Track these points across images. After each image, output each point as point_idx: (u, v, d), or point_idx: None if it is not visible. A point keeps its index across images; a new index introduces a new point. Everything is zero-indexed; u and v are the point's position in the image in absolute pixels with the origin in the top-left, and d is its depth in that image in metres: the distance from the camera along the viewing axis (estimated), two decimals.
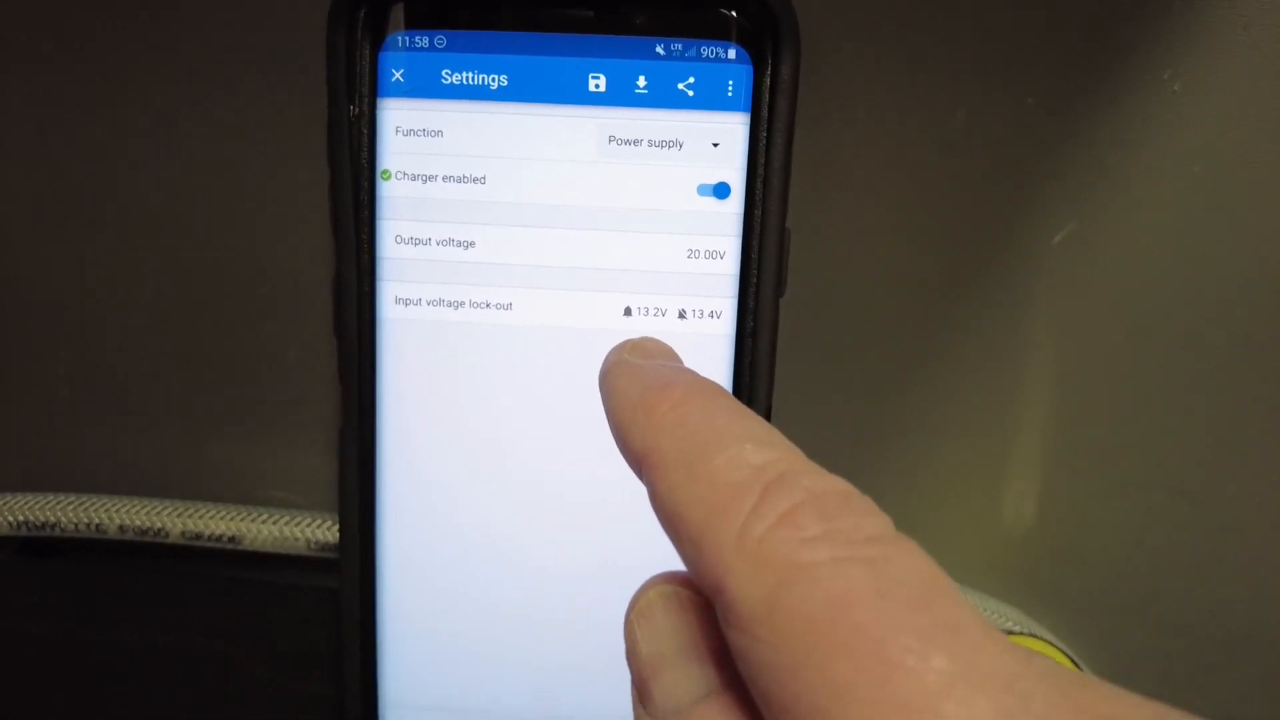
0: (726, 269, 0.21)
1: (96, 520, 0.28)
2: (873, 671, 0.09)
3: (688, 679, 0.12)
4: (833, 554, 0.10)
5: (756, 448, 0.12)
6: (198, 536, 0.28)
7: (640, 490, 0.22)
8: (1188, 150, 0.24)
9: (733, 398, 0.13)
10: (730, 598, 0.11)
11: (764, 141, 0.21)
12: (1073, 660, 0.30)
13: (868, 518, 0.11)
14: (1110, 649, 0.31)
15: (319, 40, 0.21)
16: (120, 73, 0.26)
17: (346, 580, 0.23)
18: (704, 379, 0.13)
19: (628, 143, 0.21)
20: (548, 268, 0.21)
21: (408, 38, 0.21)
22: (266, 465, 0.29)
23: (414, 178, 0.21)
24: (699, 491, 0.11)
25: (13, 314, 0.29)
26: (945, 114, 0.24)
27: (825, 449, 0.29)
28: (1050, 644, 0.30)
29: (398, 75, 0.21)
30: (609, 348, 0.22)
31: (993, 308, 0.27)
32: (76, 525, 0.29)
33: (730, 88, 0.21)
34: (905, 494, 0.29)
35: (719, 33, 0.21)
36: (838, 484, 0.11)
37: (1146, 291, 0.26)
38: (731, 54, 0.21)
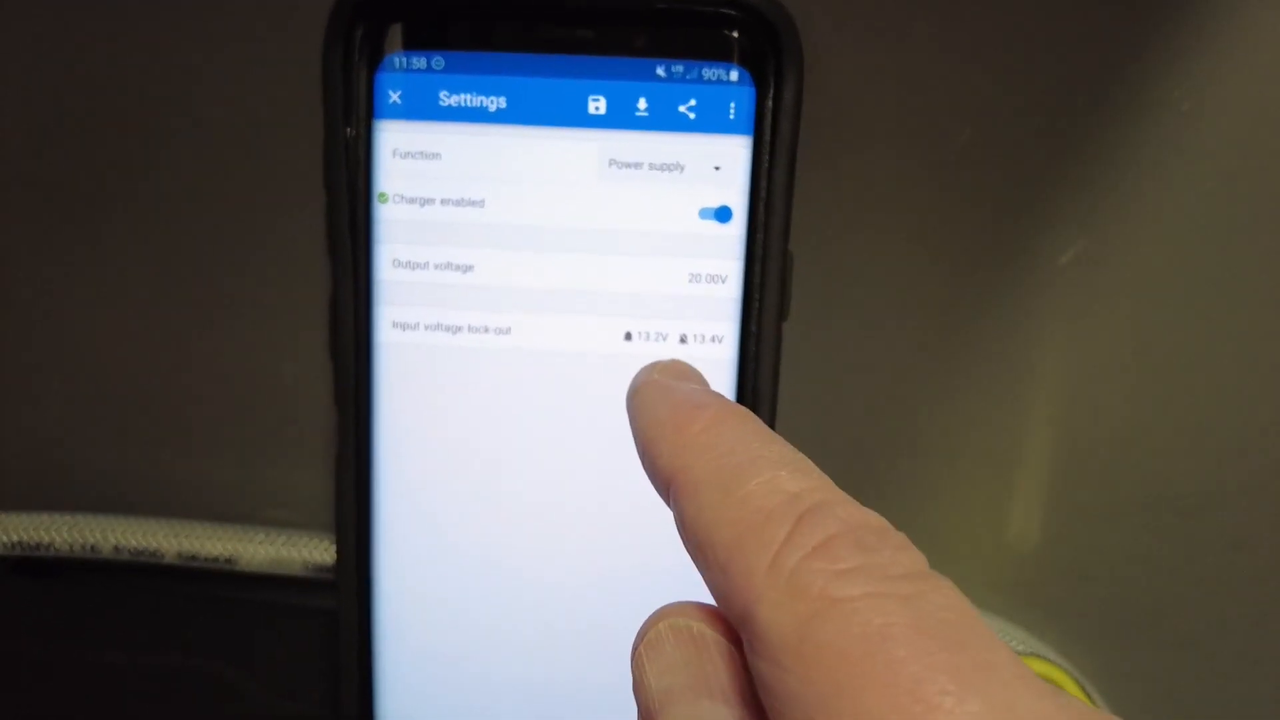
0: (729, 293, 0.21)
1: (91, 540, 0.28)
2: (908, 709, 0.09)
3: (698, 715, 0.11)
4: (868, 588, 0.10)
5: (791, 475, 0.11)
6: (193, 557, 0.28)
7: (640, 513, 0.22)
8: (1197, 170, 0.24)
9: (764, 424, 0.13)
10: (759, 626, 0.10)
11: (766, 164, 0.20)
12: (1077, 680, 0.30)
13: (903, 553, 0.11)
14: (1116, 666, 0.30)
15: (317, 59, 0.20)
16: (116, 88, 0.25)
17: (344, 602, 0.23)
18: (735, 404, 0.13)
19: (628, 165, 0.21)
20: (547, 291, 0.21)
21: (405, 59, 0.21)
22: (263, 485, 0.29)
23: (411, 200, 0.21)
24: (730, 515, 0.11)
25: (7, 331, 0.28)
26: (950, 134, 0.24)
27: (829, 469, 0.29)
28: (1055, 664, 0.30)
29: (395, 97, 0.21)
30: (609, 372, 0.22)
31: (999, 327, 0.26)
32: (71, 545, 0.28)
33: (732, 110, 0.20)
34: (910, 513, 0.29)
35: (721, 54, 0.20)
36: (873, 518, 0.11)
37: (1153, 311, 0.26)
38: (734, 76, 0.20)
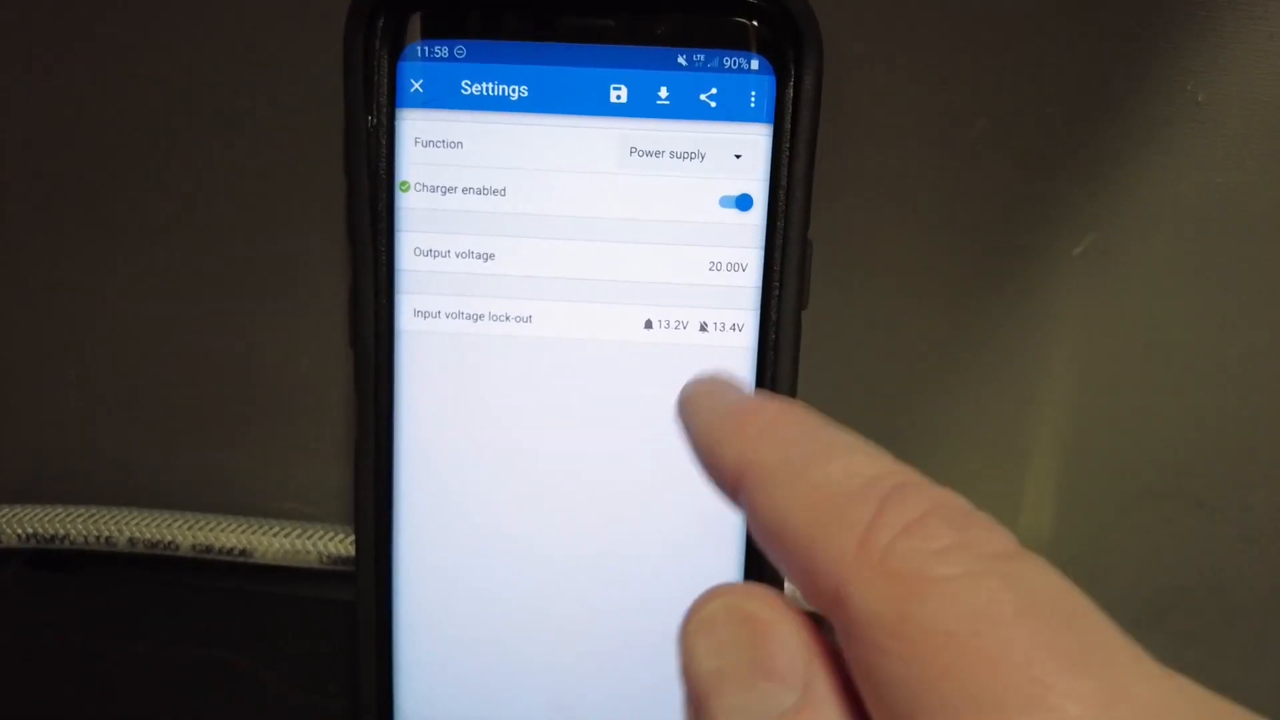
0: (748, 281, 0.21)
1: (107, 533, 0.28)
2: (1021, 690, 0.09)
3: (756, 698, 0.11)
4: (967, 567, 0.10)
5: (867, 459, 0.11)
6: (208, 549, 0.28)
7: (663, 501, 0.22)
8: (1211, 161, 0.24)
9: (828, 418, 0.12)
10: (854, 609, 0.10)
11: (787, 153, 0.20)
12: None
13: (994, 532, 0.10)
14: None
15: (338, 48, 0.21)
16: (135, 78, 0.26)
17: (363, 593, 0.23)
18: (794, 401, 0.13)
19: (649, 154, 0.21)
20: (568, 280, 0.21)
21: (427, 47, 0.21)
22: (278, 477, 0.29)
23: (433, 189, 0.21)
24: (807, 499, 0.11)
25: (22, 323, 0.28)
26: (967, 125, 0.24)
27: None
28: None
29: (416, 85, 0.21)
30: (629, 360, 0.22)
31: (1013, 318, 0.27)
32: (86, 538, 0.28)
33: (753, 99, 0.20)
34: None
35: (741, 43, 0.20)
36: (957, 498, 0.11)
37: (1166, 303, 0.26)
38: (754, 64, 0.20)
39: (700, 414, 0.13)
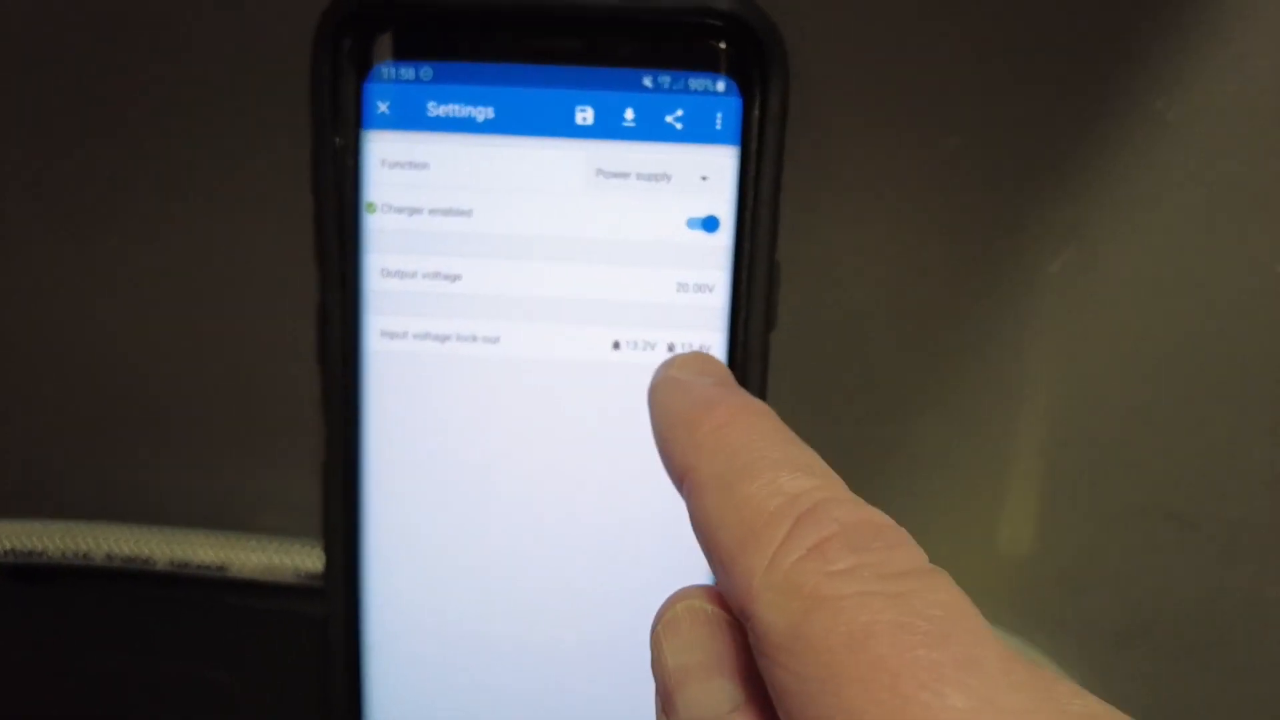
0: (716, 302, 0.21)
1: (83, 548, 0.28)
2: (887, 704, 0.09)
3: (711, 693, 0.12)
4: (858, 588, 0.10)
5: (793, 475, 0.12)
6: (185, 564, 0.28)
7: (629, 522, 0.22)
8: (1183, 177, 0.24)
9: (779, 421, 0.13)
10: (757, 625, 0.11)
11: (754, 174, 0.20)
12: None
13: (898, 550, 0.11)
14: (1108, 676, 0.30)
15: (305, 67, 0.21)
16: (108, 92, 0.26)
17: (332, 611, 0.23)
18: (751, 399, 0.13)
19: (616, 175, 0.21)
20: (535, 300, 0.21)
21: (393, 69, 0.21)
22: (254, 493, 0.29)
23: (399, 210, 0.21)
24: (732, 517, 0.12)
25: (0, 338, 0.28)
26: (938, 142, 0.24)
27: None
28: None
29: (383, 107, 0.21)
30: (597, 381, 0.22)
31: (990, 335, 0.27)
32: (63, 552, 0.28)
33: (719, 120, 0.20)
34: (901, 521, 0.29)
35: (708, 65, 0.20)
36: (873, 516, 0.11)
37: (1144, 318, 0.26)
38: (720, 86, 0.20)
39: (658, 409, 0.14)
